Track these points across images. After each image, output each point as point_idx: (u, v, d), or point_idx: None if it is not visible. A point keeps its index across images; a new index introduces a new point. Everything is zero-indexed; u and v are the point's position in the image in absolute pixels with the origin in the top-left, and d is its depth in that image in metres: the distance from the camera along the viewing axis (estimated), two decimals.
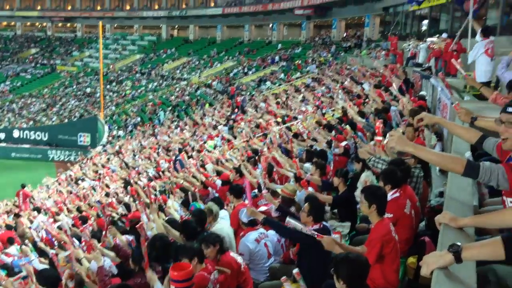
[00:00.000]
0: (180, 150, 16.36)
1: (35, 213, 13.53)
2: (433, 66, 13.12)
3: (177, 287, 3.69)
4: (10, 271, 6.11)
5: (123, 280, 5.13)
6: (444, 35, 13.55)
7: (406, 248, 4.44)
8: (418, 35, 20.98)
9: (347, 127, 9.26)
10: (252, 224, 5.60)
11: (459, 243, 2.27)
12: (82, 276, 5.17)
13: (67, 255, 4.82)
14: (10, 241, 9.81)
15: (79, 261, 5.54)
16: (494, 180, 2.72)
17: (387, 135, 3.33)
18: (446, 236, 2.66)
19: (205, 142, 16.71)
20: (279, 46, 41.88)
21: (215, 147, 15.48)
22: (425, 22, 23.43)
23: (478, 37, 8.80)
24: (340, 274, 3.18)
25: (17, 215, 12.93)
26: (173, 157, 16.02)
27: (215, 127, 19.92)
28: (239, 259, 4.81)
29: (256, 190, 7.16)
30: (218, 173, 10.08)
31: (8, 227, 11.81)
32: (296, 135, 11.17)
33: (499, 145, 3.03)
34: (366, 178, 6.16)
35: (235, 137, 15.78)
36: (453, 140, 4.81)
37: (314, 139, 9.89)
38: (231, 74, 38.26)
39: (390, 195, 4.46)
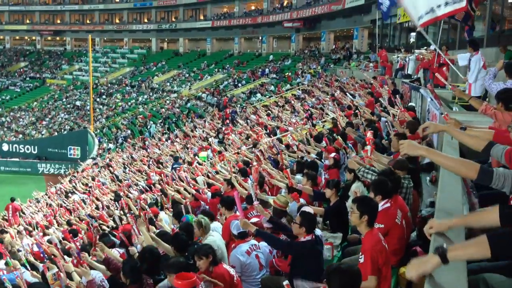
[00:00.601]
0: (176, 159, 16.34)
1: (22, 231, 13.33)
2: (422, 77, 13.27)
3: None
4: (1, 285, 6.03)
5: None
6: (432, 47, 13.72)
7: (397, 258, 4.45)
8: (406, 47, 21.21)
9: (339, 138, 9.31)
10: (243, 236, 5.59)
11: (444, 245, 2.28)
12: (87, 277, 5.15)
13: (55, 273, 4.76)
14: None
15: (69, 274, 5.48)
16: (508, 187, 2.70)
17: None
18: (437, 244, 2.67)
19: (196, 155, 16.67)
20: (271, 57, 42.12)
21: (207, 158, 15.45)
22: (413, 34, 23.73)
23: (463, 54, 8.93)
24: (332, 285, 3.16)
25: (2, 231, 12.72)
26: (164, 170, 15.93)
27: (205, 139, 19.90)
28: (232, 271, 4.79)
29: (245, 203, 7.14)
30: (209, 185, 10.05)
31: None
32: (288, 147, 11.20)
33: (508, 151, 3.02)
34: (356, 188, 6.19)
35: (225, 149, 15.78)
36: (442, 150, 4.85)
37: (307, 151, 9.91)
38: (221, 87, 38.35)
39: (381, 206, 4.47)
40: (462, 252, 2.31)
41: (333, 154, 8.52)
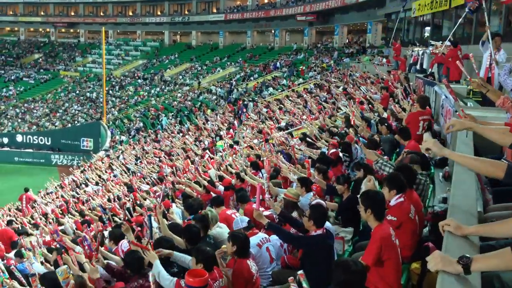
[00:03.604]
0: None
1: (37, 220, 13.48)
2: (436, 72, 13.13)
3: None
4: (11, 274, 6.12)
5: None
6: (447, 42, 13.56)
7: (409, 254, 4.43)
8: (420, 41, 21.01)
9: (351, 131, 9.26)
10: (249, 227, 5.58)
11: (468, 256, 2.26)
12: (85, 280, 5.17)
13: (66, 267, 4.81)
14: (13, 246, 9.83)
15: (81, 265, 5.53)
16: None
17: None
18: (450, 243, 2.65)
19: (205, 149, 16.60)
20: (283, 50, 41.95)
21: (227, 147, 15.40)
22: (428, 28, 23.48)
23: (484, 45, 8.79)
24: (335, 280, 3.14)
25: (9, 222, 12.88)
26: (176, 162, 15.96)
27: (217, 133, 19.92)
28: (254, 269, 4.77)
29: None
30: (220, 179, 10.07)
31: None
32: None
33: None
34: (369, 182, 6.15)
35: (237, 143, 15.79)
36: (456, 148, 4.80)
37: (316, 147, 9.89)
38: (233, 80, 38.34)
39: (395, 200, 4.45)
40: (485, 264, 2.30)
41: (332, 150, 8.47)
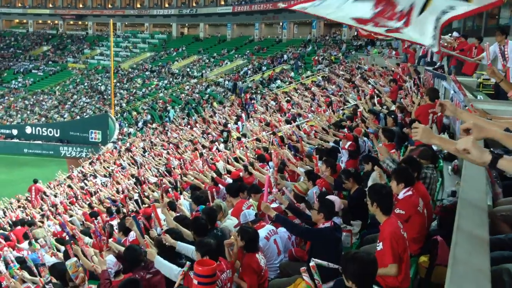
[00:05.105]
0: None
1: (47, 212, 13.59)
2: (446, 65, 13.02)
3: (199, 281, 3.79)
4: (23, 263, 6.20)
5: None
6: (455, 33, 13.43)
7: (418, 247, 4.42)
8: None
9: (360, 124, 9.23)
10: (256, 219, 5.60)
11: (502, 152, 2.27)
12: (97, 270, 5.24)
13: (76, 260, 4.86)
14: (25, 237, 9.95)
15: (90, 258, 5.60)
16: None
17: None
18: (459, 237, 2.64)
19: (212, 141, 16.60)
20: (291, 43, 41.73)
21: (242, 136, 15.43)
22: None
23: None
24: (347, 273, 3.15)
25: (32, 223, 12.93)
26: (183, 155, 16.00)
27: (225, 125, 19.91)
28: (262, 262, 4.79)
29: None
30: (229, 172, 10.09)
31: (23, 222, 11.98)
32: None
33: None
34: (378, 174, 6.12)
35: (245, 135, 15.81)
36: None
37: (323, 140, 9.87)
38: (241, 73, 38.27)
39: (403, 193, 4.44)
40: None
41: (349, 143, 8.44)
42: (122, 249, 5.46)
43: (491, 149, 2.34)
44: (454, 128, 7.27)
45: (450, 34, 14.03)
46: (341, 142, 8.92)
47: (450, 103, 3.62)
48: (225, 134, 17.79)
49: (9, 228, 13.04)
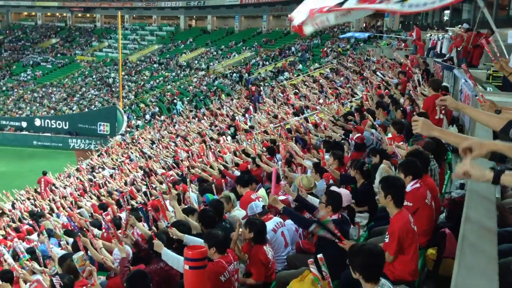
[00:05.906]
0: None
1: (57, 203, 13.68)
2: (455, 56, 12.92)
3: (190, 266, 3.81)
4: (33, 254, 6.26)
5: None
6: (465, 25, 13.30)
7: (425, 239, 4.41)
8: (439, 25, 20.64)
9: (368, 116, 9.19)
10: (264, 211, 5.60)
11: (503, 168, 2.26)
12: (107, 262, 5.28)
13: (82, 254, 4.89)
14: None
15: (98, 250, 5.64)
16: None
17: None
18: (467, 229, 2.63)
19: (220, 134, 16.57)
20: (299, 35, 41.46)
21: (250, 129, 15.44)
22: (447, 12, 23.04)
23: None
24: (354, 265, 3.16)
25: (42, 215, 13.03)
26: (191, 147, 16.02)
27: (233, 118, 19.88)
28: (270, 254, 4.81)
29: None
30: (236, 164, 10.10)
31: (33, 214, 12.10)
32: (316, 126, 11.14)
33: None
34: (385, 168, 6.10)
35: (252, 128, 15.80)
36: (475, 133, 4.75)
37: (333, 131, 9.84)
38: (249, 65, 38.17)
39: (410, 186, 4.42)
40: None
41: (357, 135, 8.41)
42: (149, 233, 5.41)
43: (492, 166, 2.32)
44: (463, 120, 7.21)
45: (459, 26, 13.91)
46: (351, 134, 8.92)
47: (451, 99, 3.65)
48: (232, 129, 17.75)
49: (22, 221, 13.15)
